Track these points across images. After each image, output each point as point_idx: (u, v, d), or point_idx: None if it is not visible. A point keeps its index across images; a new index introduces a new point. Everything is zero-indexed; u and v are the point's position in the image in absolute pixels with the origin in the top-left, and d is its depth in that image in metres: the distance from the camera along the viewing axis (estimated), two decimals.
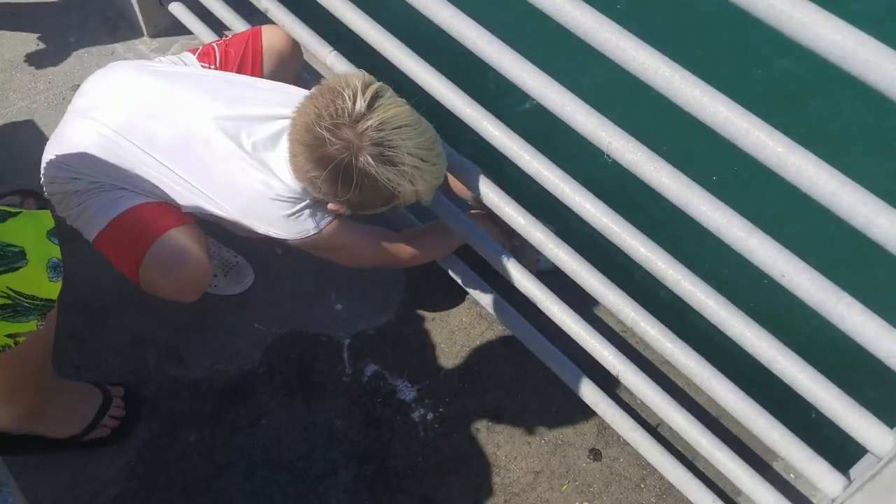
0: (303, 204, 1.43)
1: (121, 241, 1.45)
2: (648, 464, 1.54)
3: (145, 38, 2.27)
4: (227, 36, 1.73)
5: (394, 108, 1.27)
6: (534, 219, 1.41)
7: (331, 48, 1.65)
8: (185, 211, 1.48)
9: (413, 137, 1.27)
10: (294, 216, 1.43)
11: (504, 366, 1.70)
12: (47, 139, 2.00)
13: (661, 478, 1.54)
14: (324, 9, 1.56)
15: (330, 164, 1.25)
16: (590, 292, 1.37)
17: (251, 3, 1.76)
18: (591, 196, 1.27)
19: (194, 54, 1.65)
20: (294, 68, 1.80)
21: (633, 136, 1.14)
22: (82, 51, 2.23)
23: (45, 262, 1.07)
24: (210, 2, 1.97)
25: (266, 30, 1.72)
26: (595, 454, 1.60)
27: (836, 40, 0.80)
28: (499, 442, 1.60)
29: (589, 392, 1.57)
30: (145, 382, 1.62)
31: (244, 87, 1.53)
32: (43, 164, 1.50)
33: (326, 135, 1.23)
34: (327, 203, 1.39)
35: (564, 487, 1.55)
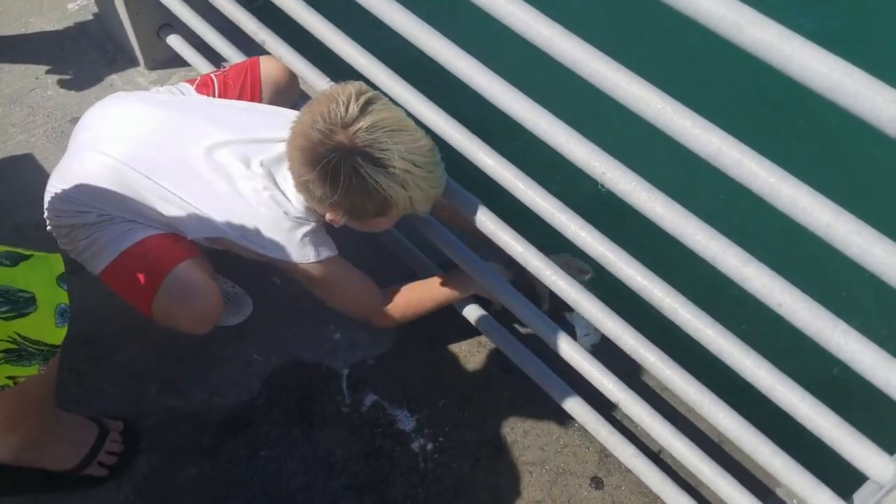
0: (307, 228, 1.44)
1: (131, 274, 1.45)
2: (650, 491, 1.53)
3: (143, 71, 2.29)
4: (224, 67, 1.75)
5: (387, 112, 1.28)
6: (535, 249, 1.41)
7: (328, 79, 1.67)
8: (192, 238, 1.48)
9: (406, 142, 1.27)
10: (297, 239, 1.44)
11: (504, 393, 1.69)
12: (47, 172, 2.01)
13: None
14: (320, 41, 1.57)
15: (319, 163, 1.26)
16: (589, 320, 1.37)
17: (248, 36, 1.78)
18: (587, 225, 1.27)
19: (192, 85, 1.66)
20: (291, 97, 1.82)
21: (627, 166, 1.14)
22: (81, 84, 2.25)
23: (53, 307, 1.07)
24: (207, 34, 1.98)
25: (264, 60, 1.75)
26: (597, 482, 1.58)
27: (821, 72, 0.81)
28: (499, 471, 1.59)
29: (590, 419, 1.56)
30: (144, 415, 1.62)
31: (248, 112, 1.56)
32: (48, 198, 1.51)
33: (318, 136, 1.24)
34: (325, 215, 1.38)
35: None
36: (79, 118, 2.10)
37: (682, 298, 1.18)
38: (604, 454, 1.61)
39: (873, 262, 0.87)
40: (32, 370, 1.06)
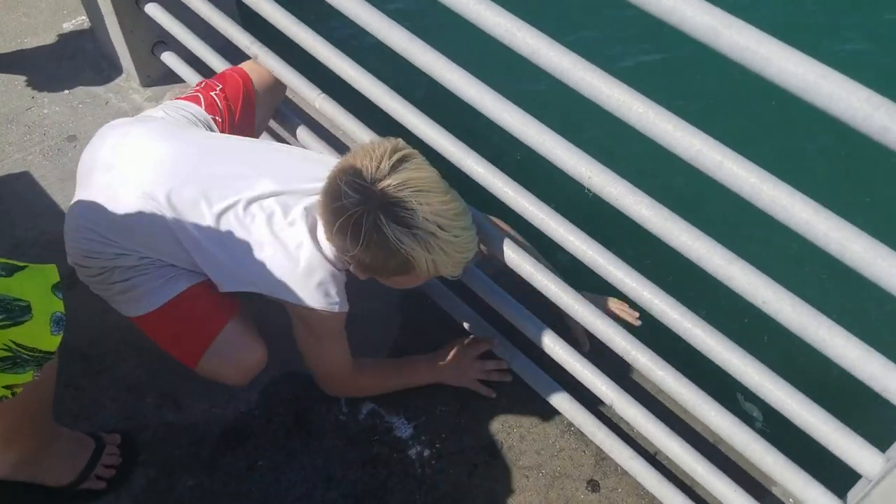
0: (333, 277, 1.41)
1: (176, 327, 1.49)
2: (647, 493, 1.54)
3: (138, 88, 2.31)
4: (215, 86, 1.71)
5: (419, 171, 1.25)
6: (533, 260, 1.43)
7: (319, 91, 1.69)
8: (218, 280, 1.46)
9: (434, 203, 1.23)
10: (319, 286, 1.40)
11: (500, 398, 1.71)
12: (44, 190, 2.03)
13: None
14: (310, 54, 1.60)
15: (343, 215, 1.24)
16: (581, 322, 1.38)
17: (239, 49, 1.80)
18: (576, 230, 1.29)
19: (199, 105, 1.64)
20: (280, 96, 1.87)
21: (612, 170, 1.16)
22: (76, 102, 2.27)
23: (48, 316, 1.09)
24: (201, 50, 2.01)
25: (251, 71, 1.76)
26: (593, 485, 1.60)
27: (798, 73, 0.83)
28: (496, 476, 1.60)
29: (586, 422, 1.58)
30: (143, 428, 1.63)
31: (289, 157, 1.53)
32: (78, 237, 1.46)
33: (345, 188, 1.23)
34: (348, 266, 1.37)
35: None
36: (75, 136, 2.11)
37: (671, 300, 1.20)
38: (600, 457, 1.62)
39: (853, 258, 0.89)
40: (27, 377, 1.07)
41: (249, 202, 1.41)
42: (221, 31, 1.82)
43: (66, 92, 2.30)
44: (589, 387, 1.47)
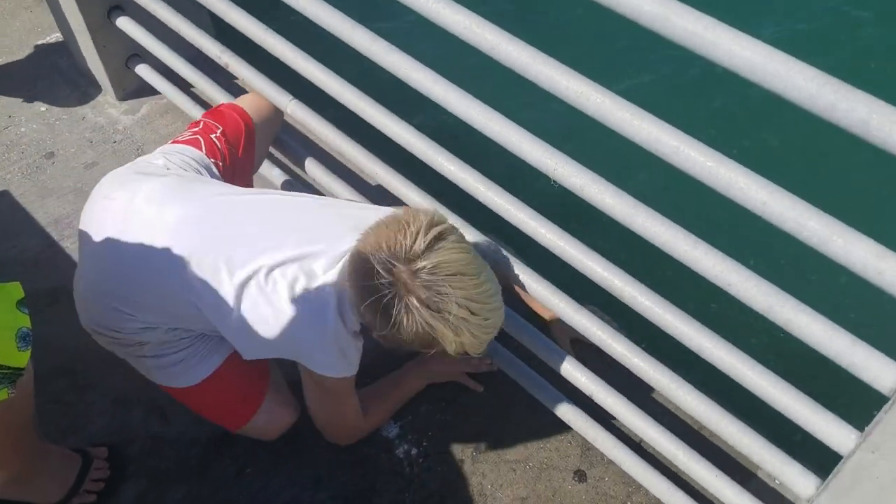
0: (352, 344, 1.37)
1: (214, 401, 1.54)
2: (634, 480, 1.55)
3: (114, 102, 2.31)
4: (215, 128, 1.63)
5: (454, 253, 1.19)
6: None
7: (291, 97, 1.70)
8: (242, 348, 1.41)
9: (467, 287, 1.18)
10: (338, 353, 1.35)
11: (485, 394, 1.71)
12: (23, 208, 2.03)
13: (647, 493, 1.55)
14: (281, 61, 1.61)
15: (373, 295, 1.18)
16: (558, 315, 1.39)
17: (212, 60, 1.81)
18: (546, 221, 1.30)
19: (199, 150, 1.56)
20: (277, 127, 1.83)
21: (577, 161, 1.17)
22: (53, 119, 2.28)
23: (14, 332, 1.09)
24: (173, 62, 2.02)
25: (249, 106, 1.71)
26: (580, 475, 1.61)
27: (745, 56, 0.84)
28: (484, 471, 1.61)
29: (570, 413, 1.58)
30: (131, 441, 1.63)
31: (311, 215, 1.44)
32: (98, 309, 1.42)
33: (378, 267, 1.17)
34: (371, 334, 1.30)
35: None
36: (53, 153, 2.11)
37: (641, 287, 1.21)
38: (586, 447, 1.63)
39: (809, 235, 0.90)
40: (2, 395, 1.08)
41: (271, 269, 1.32)
42: (191, 41, 1.82)
43: (43, 109, 2.30)
44: (568, 378, 1.48)
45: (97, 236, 1.40)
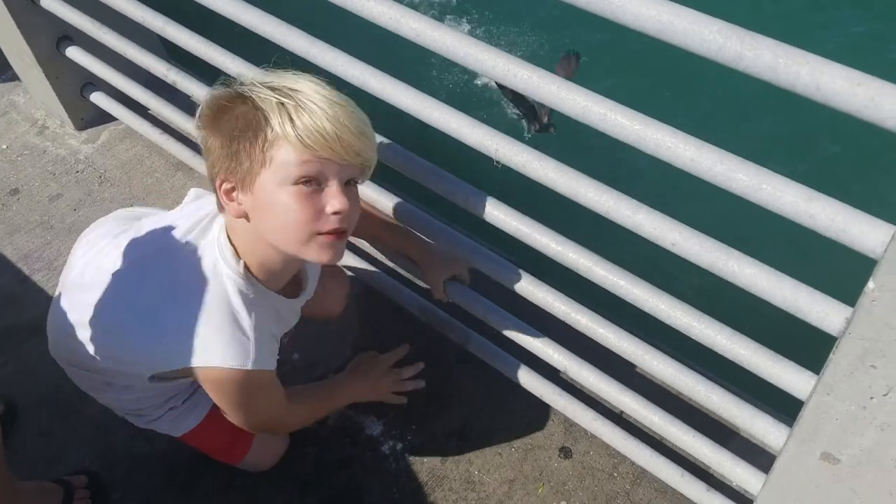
0: (246, 316, 1.19)
1: (209, 448, 1.55)
2: (618, 452, 1.56)
3: (74, 132, 2.32)
4: None
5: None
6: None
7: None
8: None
9: (308, 80, 1.09)
10: (230, 333, 1.17)
11: (464, 382, 1.72)
12: None
13: (633, 463, 1.56)
14: (226, 73, 1.61)
15: (216, 105, 1.11)
16: (519, 293, 1.40)
17: (163, 80, 1.82)
18: (498, 203, 1.31)
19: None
20: None
21: (517, 140, 1.18)
22: (15, 155, 2.28)
23: None
24: (127, 87, 2.02)
25: None
26: (565, 452, 1.61)
27: (651, 16, 0.85)
28: (470, 458, 1.62)
29: (550, 392, 1.59)
30: (116, 464, 1.64)
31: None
32: (98, 360, 1.33)
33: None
34: (227, 208, 1.14)
35: (540, 490, 1.57)
36: (17, 189, 2.12)
37: (594, 256, 1.22)
38: (568, 424, 1.64)
39: (739, 186, 0.91)
40: None
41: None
42: (138, 63, 1.83)
43: (4, 147, 2.30)
44: (540, 355, 1.49)
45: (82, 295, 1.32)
